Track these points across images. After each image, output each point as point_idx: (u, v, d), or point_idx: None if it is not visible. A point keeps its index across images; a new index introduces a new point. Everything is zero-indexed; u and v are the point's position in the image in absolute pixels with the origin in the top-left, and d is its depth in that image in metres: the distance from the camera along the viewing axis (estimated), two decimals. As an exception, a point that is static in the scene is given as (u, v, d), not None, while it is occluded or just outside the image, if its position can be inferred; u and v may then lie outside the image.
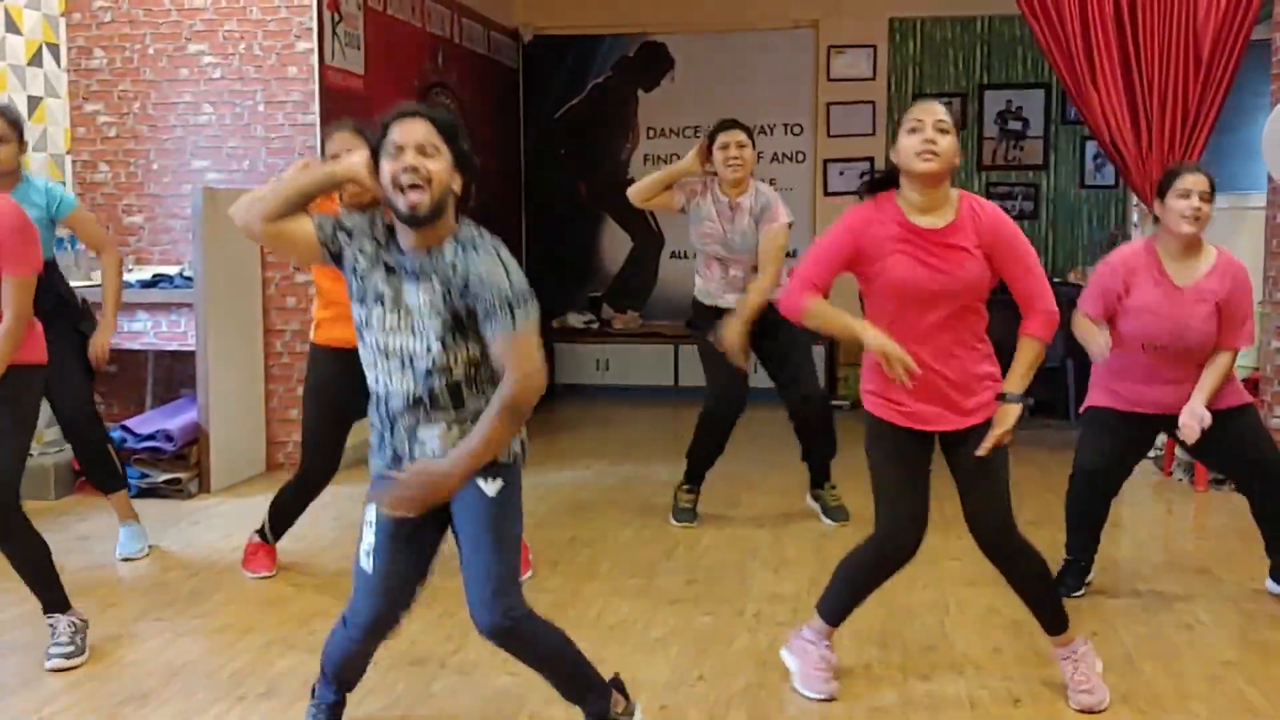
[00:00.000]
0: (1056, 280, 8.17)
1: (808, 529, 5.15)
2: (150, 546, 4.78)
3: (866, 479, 3.33)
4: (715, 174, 5.00)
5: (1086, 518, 4.19)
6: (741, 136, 4.93)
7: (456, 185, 2.67)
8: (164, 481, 5.60)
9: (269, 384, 6.21)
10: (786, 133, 9.02)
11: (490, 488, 2.74)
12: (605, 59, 9.24)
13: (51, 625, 3.63)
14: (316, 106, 6.06)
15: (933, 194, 3.13)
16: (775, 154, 8.94)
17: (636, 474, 6.26)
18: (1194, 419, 3.85)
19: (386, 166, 2.63)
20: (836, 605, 3.42)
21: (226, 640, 3.82)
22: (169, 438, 5.62)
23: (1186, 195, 3.82)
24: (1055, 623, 3.33)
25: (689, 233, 5.12)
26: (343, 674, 3.02)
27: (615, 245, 9.34)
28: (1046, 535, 4.19)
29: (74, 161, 6.28)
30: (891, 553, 3.28)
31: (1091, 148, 8.67)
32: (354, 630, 2.90)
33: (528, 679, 3.08)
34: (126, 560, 4.68)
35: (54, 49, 6.15)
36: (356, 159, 2.74)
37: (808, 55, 8.96)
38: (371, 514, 2.82)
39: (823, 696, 3.33)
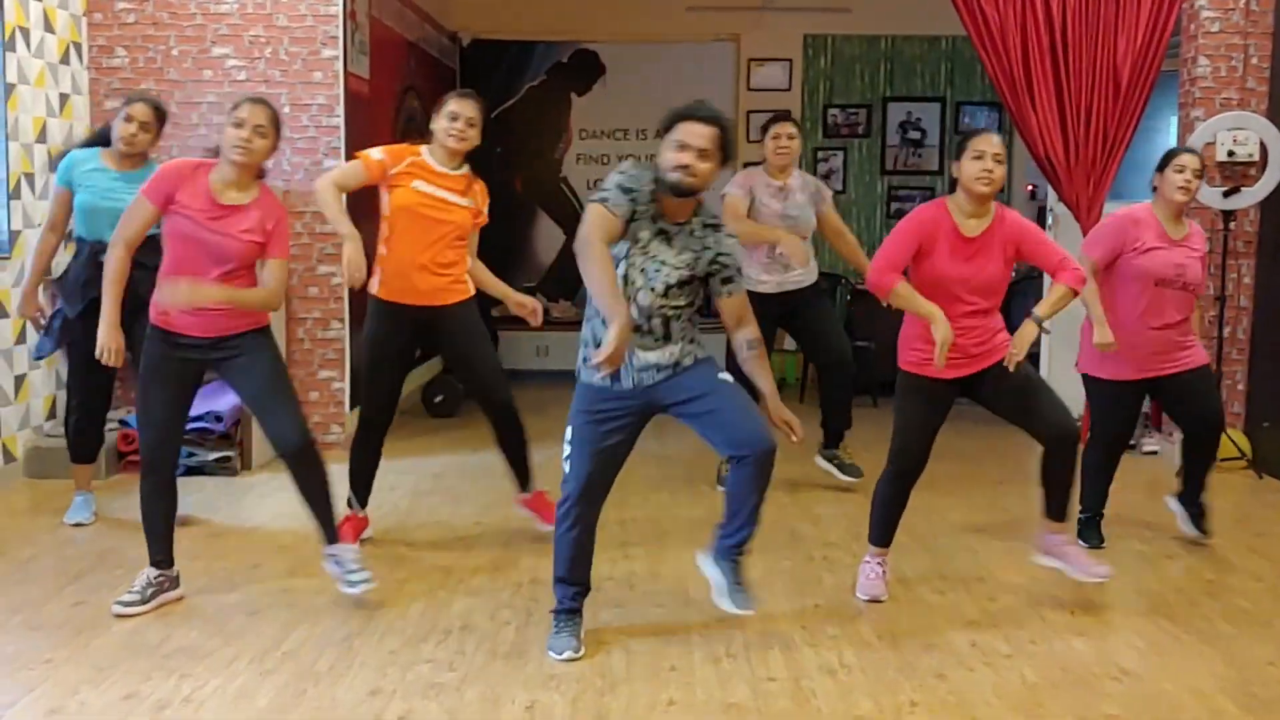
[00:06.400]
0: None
1: (818, 489, 5.93)
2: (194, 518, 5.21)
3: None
4: (759, 163, 5.76)
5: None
6: (792, 129, 5.66)
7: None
8: (215, 460, 5.98)
9: (291, 368, 6.58)
10: (710, 137, 9.75)
11: (727, 375, 3.64)
12: (540, 64, 9.82)
13: (337, 557, 4.17)
14: (342, 110, 6.49)
15: (982, 207, 4.01)
16: (700, 156, 9.65)
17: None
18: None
19: (669, 154, 3.43)
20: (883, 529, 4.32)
21: (392, 588, 4.31)
22: (218, 418, 5.99)
23: (1182, 170, 4.73)
24: (1064, 509, 4.19)
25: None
26: (573, 560, 3.70)
27: (549, 238, 9.93)
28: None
29: (95, 156, 6.51)
30: (911, 473, 4.16)
31: (980, 156, 9.75)
32: (569, 509, 3.67)
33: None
34: (77, 526, 5.06)
35: (78, 47, 6.39)
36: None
37: (729, 66, 9.76)
38: (570, 433, 3.68)
39: (868, 598, 4.26)
